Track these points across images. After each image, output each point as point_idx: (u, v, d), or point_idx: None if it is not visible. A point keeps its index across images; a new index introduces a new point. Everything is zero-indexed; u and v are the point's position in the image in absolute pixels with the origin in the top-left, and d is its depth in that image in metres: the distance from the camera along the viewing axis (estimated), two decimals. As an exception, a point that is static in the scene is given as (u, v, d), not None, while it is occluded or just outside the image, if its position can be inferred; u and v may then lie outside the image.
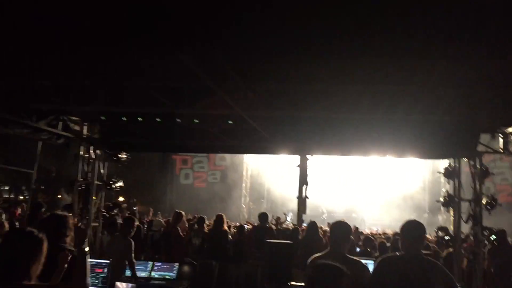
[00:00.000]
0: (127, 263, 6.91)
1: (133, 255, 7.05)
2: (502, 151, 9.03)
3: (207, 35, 5.25)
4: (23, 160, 14.06)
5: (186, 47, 5.12)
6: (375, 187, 22.69)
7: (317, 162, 10.78)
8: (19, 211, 13.42)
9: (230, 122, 8.94)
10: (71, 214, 4.04)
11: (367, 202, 22.83)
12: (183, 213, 10.72)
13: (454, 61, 5.43)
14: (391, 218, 17.96)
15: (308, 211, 10.74)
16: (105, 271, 5.61)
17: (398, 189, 22.01)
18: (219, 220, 10.01)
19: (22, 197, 21.62)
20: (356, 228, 12.80)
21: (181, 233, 10.05)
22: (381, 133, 8.65)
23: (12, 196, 22.37)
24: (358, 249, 10.43)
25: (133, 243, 7.10)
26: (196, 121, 8.90)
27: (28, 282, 2.71)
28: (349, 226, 4.46)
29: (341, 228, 4.38)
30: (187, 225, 11.76)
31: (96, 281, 5.55)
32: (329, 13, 4.59)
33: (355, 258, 4.28)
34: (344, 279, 2.92)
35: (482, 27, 4.43)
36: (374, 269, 4.08)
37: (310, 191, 10.33)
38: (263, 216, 10.34)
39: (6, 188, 23.55)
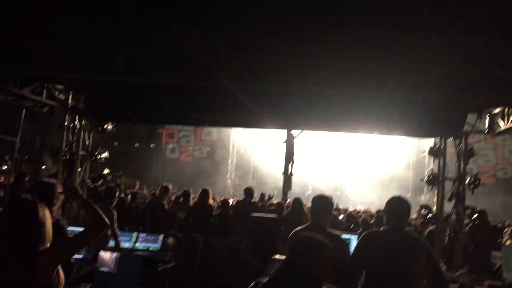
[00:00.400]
0: (110, 233, 6.87)
1: (115, 225, 7.03)
2: (487, 131, 9.13)
3: (197, 4, 5.16)
4: (6, 128, 13.83)
5: (176, 15, 5.02)
6: (361, 165, 22.88)
7: (304, 138, 10.79)
8: (1, 179, 13.27)
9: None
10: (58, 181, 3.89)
11: (353, 180, 23.03)
12: (170, 186, 10.70)
13: (443, 36, 5.41)
14: (376, 196, 18.14)
15: (295, 187, 10.81)
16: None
17: (383, 168, 22.21)
18: (204, 194, 9.98)
19: (5, 167, 21.36)
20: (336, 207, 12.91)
21: (166, 206, 10.04)
22: (369, 110, 8.67)
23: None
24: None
25: (115, 213, 7.08)
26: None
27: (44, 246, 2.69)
28: (330, 200, 4.42)
29: (321, 203, 4.37)
30: (173, 199, 11.76)
31: (80, 250, 5.53)
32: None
33: (335, 232, 4.30)
34: (326, 252, 2.90)
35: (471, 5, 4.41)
36: (358, 243, 4.10)
37: (296, 168, 10.36)
38: (248, 191, 10.35)
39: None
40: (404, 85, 7.10)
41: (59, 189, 3.69)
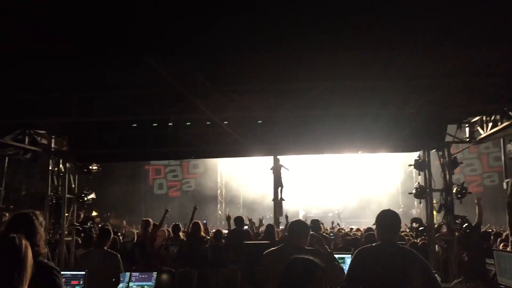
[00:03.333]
0: (114, 279, 6.53)
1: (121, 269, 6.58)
2: (467, 139, 9.29)
3: (174, 40, 5.23)
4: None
5: (153, 53, 5.08)
6: (351, 184, 22.96)
7: (292, 162, 10.86)
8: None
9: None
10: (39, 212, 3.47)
11: (344, 200, 23.07)
12: (150, 220, 10.53)
13: (420, 50, 5.55)
14: (369, 214, 18.14)
15: (288, 213, 10.82)
16: (81, 282, 5.48)
17: (373, 186, 22.33)
18: (195, 227, 9.91)
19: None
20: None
21: (154, 241, 9.87)
22: (353, 130, 8.78)
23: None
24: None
25: (119, 258, 6.55)
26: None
27: None
28: (306, 225, 4.72)
29: (298, 226, 4.63)
30: (167, 235, 11.59)
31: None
32: (296, 9, 4.63)
33: (312, 248, 4.40)
34: (318, 272, 2.89)
35: (450, 18, 4.54)
36: (352, 260, 4.10)
37: (287, 192, 10.37)
38: (238, 220, 10.30)
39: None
40: (387, 102, 7.21)
41: (40, 218, 3.24)
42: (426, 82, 6.82)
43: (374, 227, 4.20)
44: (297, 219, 5.06)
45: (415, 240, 9.41)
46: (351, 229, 15.16)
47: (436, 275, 4.43)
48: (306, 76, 6.79)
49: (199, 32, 5.27)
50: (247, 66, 6.44)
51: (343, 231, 12.69)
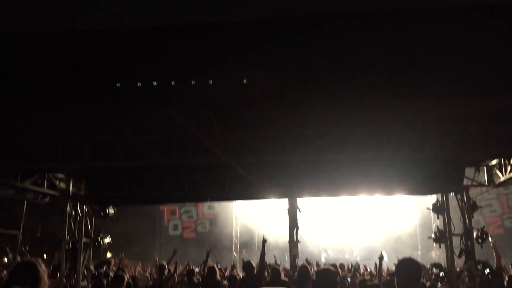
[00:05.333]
0: None
1: None
2: (487, 184, 9.15)
3: (192, 90, 5.34)
4: (7, 221, 13.74)
5: (172, 103, 5.19)
6: (368, 227, 22.58)
7: (308, 203, 10.78)
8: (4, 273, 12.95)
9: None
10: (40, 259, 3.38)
11: (360, 243, 22.64)
12: (165, 265, 10.46)
13: (439, 99, 5.58)
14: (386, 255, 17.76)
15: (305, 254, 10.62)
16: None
17: (391, 227, 21.92)
18: (211, 272, 9.78)
19: (6, 260, 20.93)
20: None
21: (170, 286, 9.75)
22: (369, 172, 8.74)
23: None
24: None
25: None
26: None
27: None
28: (335, 274, 4.53)
29: (326, 276, 4.43)
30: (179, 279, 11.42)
31: None
32: (312, 57, 4.72)
33: None
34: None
35: (465, 67, 4.60)
36: None
37: (304, 233, 10.23)
38: (247, 266, 10.13)
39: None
40: (402, 145, 7.21)
41: (43, 266, 3.20)
42: (442, 126, 6.82)
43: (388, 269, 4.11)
44: (325, 268, 4.77)
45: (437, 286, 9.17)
46: (369, 270, 14.81)
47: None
48: (319, 122, 6.85)
49: (216, 80, 5.40)
50: (262, 112, 6.53)
51: (358, 275, 12.35)
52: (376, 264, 10.32)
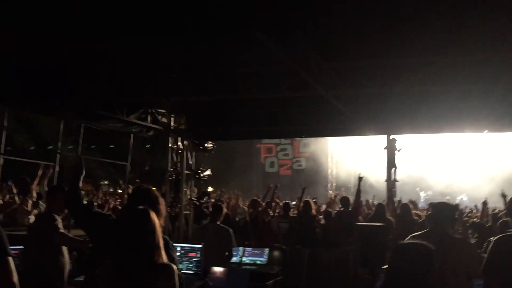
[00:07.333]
0: (227, 253, 6.59)
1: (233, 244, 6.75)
2: None
3: (287, 16, 5.14)
4: (118, 154, 14.86)
5: (266, 29, 5.04)
6: (471, 164, 21.22)
7: (406, 141, 10.30)
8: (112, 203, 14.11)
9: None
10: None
11: (461, 179, 21.41)
12: (258, 199, 10.78)
13: None
14: (486, 193, 16.66)
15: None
16: (198, 255, 5.75)
17: (492, 164, 20.43)
18: (306, 205, 9.90)
19: (120, 191, 22.89)
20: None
21: (266, 219, 10.05)
22: (478, 106, 7.99)
23: (111, 190, 23.72)
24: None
25: (231, 232, 6.71)
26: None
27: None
28: (452, 206, 4.27)
29: (441, 209, 4.16)
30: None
31: (190, 265, 5.71)
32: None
33: (457, 236, 4.01)
34: (435, 261, 2.67)
35: None
36: (492, 248, 3.72)
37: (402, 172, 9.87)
38: (344, 201, 10.09)
39: (106, 182, 25.06)
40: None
41: (157, 193, 3.44)
42: None
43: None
44: (443, 201, 4.57)
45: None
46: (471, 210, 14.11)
47: None
48: (426, 50, 6.29)
49: (312, 8, 5.13)
50: (360, 41, 6.14)
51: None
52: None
